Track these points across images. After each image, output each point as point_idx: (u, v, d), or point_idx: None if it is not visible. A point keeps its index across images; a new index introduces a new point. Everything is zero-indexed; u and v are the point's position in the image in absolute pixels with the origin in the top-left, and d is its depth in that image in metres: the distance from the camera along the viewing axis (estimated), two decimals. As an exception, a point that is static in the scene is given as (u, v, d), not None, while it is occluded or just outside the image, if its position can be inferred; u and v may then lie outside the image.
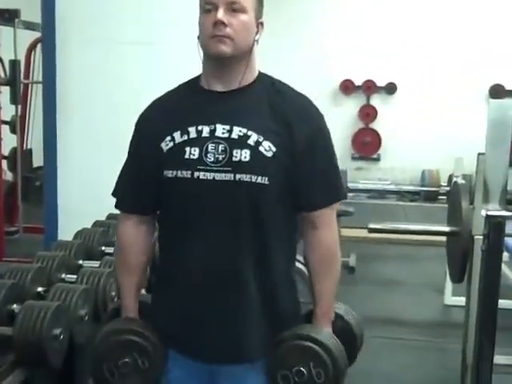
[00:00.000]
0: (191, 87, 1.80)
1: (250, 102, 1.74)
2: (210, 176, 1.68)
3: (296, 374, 1.72)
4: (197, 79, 1.80)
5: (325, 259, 1.78)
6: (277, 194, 1.71)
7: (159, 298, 1.84)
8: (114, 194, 1.86)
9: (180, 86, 1.84)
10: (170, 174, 1.71)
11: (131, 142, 1.84)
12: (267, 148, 1.68)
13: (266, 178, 1.68)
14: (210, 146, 1.68)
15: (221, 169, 1.67)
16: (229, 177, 1.67)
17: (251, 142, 1.68)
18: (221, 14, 1.66)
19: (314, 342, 1.73)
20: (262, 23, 1.77)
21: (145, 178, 1.77)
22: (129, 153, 1.84)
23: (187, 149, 1.69)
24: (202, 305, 1.74)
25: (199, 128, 1.71)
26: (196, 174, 1.68)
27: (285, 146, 1.70)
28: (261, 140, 1.68)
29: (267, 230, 1.72)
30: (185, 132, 1.71)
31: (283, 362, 1.73)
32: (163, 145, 1.73)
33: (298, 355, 1.73)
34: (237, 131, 1.69)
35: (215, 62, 1.72)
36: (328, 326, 1.81)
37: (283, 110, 1.73)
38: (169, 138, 1.72)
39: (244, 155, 1.67)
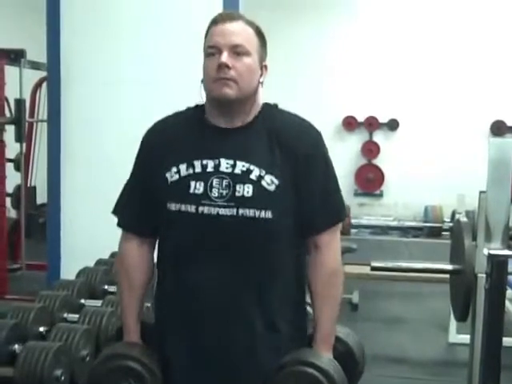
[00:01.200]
0: (196, 117, 1.80)
1: (252, 137, 1.75)
2: (214, 211, 1.68)
3: None
4: (201, 110, 1.80)
5: (326, 280, 1.77)
6: (282, 226, 1.72)
7: (159, 332, 1.82)
8: (114, 212, 1.86)
9: (186, 111, 1.85)
10: (173, 207, 1.71)
11: (136, 162, 1.84)
12: (269, 182, 1.70)
13: (270, 212, 1.68)
14: (215, 181, 1.70)
15: (225, 204, 1.68)
16: (232, 212, 1.68)
17: (253, 176, 1.70)
18: (225, 57, 1.68)
19: (315, 368, 1.70)
20: (265, 66, 1.79)
21: (147, 204, 1.78)
22: (132, 173, 1.85)
23: (192, 183, 1.70)
24: (201, 338, 1.73)
25: (204, 162, 1.72)
26: (200, 208, 1.69)
27: (286, 175, 1.71)
28: (263, 174, 1.70)
29: (272, 262, 1.73)
30: (190, 165, 1.72)
31: None
32: (168, 175, 1.73)
33: (298, 381, 1.70)
34: (240, 166, 1.70)
35: (219, 105, 1.74)
36: (328, 351, 1.79)
37: (280, 134, 1.74)
38: (174, 169, 1.73)
39: (247, 190, 1.68)
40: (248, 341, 1.72)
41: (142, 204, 1.80)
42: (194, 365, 1.75)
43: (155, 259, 1.87)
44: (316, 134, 1.81)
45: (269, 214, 1.68)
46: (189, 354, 1.75)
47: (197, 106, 1.83)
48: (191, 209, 1.69)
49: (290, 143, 1.74)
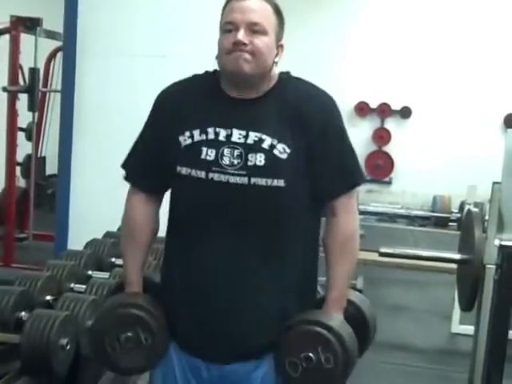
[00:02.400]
0: (211, 85, 1.78)
1: (265, 107, 1.74)
2: (224, 178, 1.68)
3: (304, 359, 1.67)
4: (216, 77, 1.79)
5: (342, 245, 1.76)
6: (294, 195, 1.71)
7: (166, 297, 1.82)
8: (123, 167, 1.86)
9: (201, 77, 1.83)
10: (183, 171, 1.71)
11: (150, 116, 1.83)
12: (281, 150, 1.69)
13: (282, 181, 1.68)
14: (226, 151, 1.69)
15: (236, 172, 1.68)
16: (243, 180, 1.68)
17: (265, 145, 1.69)
18: (241, 35, 1.67)
19: (323, 327, 1.69)
20: (282, 46, 1.77)
21: (157, 163, 1.78)
22: (144, 130, 1.84)
23: (204, 149, 1.70)
24: (209, 305, 1.73)
25: (217, 130, 1.71)
26: (210, 175, 1.69)
27: (299, 143, 1.70)
28: (275, 143, 1.69)
29: (283, 231, 1.73)
30: (203, 131, 1.72)
31: (290, 349, 1.69)
32: (181, 139, 1.73)
33: (306, 340, 1.68)
34: (252, 136, 1.70)
35: (233, 79, 1.73)
36: (339, 312, 1.77)
37: (292, 102, 1.74)
38: (188, 133, 1.73)
39: (259, 159, 1.68)
40: (259, 302, 1.72)
41: (151, 161, 1.79)
42: (202, 323, 1.75)
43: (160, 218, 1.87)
44: (329, 100, 1.80)
45: (281, 183, 1.68)
46: (198, 314, 1.75)
47: (213, 72, 1.81)
48: (201, 174, 1.69)
49: (301, 111, 1.73)
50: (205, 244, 1.72)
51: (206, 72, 1.83)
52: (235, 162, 1.68)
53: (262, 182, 1.68)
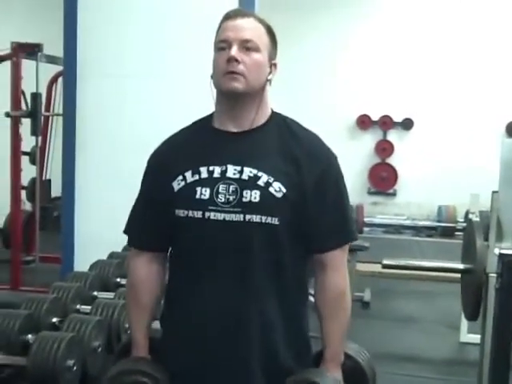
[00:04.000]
0: (204, 127, 1.80)
1: (261, 143, 1.74)
2: (220, 216, 1.68)
3: None
4: (209, 118, 1.81)
5: (334, 302, 1.76)
6: (287, 235, 1.71)
7: (167, 340, 1.82)
8: (125, 232, 1.86)
9: (192, 124, 1.85)
10: (181, 213, 1.71)
11: (143, 179, 1.85)
12: (277, 189, 1.68)
13: (276, 219, 1.67)
14: (221, 187, 1.69)
15: (231, 209, 1.67)
16: (239, 217, 1.67)
17: (261, 182, 1.68)
18: (234, 51, 1.69)
19: None
20: (275, 64, 1.78)
21: (156, 217, 1.78)
22: (141, 190, 1.85)
23: (198, 189, 1.70)
24: (209, 346, 1.72)
25: (210, 168, 1.71)
26: (207, 214, 1.68)
27: (295, 186, 1.70)
28: (271, 181, 1.69)
29: (277, 270, 1.72)
30: (196, 172, 1.72)
31: None
32: (175, 184, 1.73)
33: None
34: (247, 172, 1.70)
35: (228, 99, 1.74)
36: (336, 370, 1.78)
37: (294, 151, 1.73)
38: (180, 177, 1.73)
39: (254, 196, 1.67)
40: (249, 346, 1.71)
41: (150, 220, 1.79)
42: (202, 377, 1.74)
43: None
44: (330, 153, 1.79)
45: (275, 221, 1.68)
46: (198, 366, 1.74)
47: (202, 118, 1.83)
48: (198, 214, 1.69)
49: (305, 160, 1.72)
50: (208, 284, 1.71)
51: (195, 121, 1.85)
52: (230, 198, 1.68)
53: (256, 218, 1.67)
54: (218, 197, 1.69)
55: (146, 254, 1.82)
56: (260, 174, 1.69)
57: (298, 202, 1.70)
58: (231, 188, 1.69)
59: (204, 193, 1.69)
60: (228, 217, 1.67)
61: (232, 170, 1.70)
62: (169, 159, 1.78)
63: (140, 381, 1.76)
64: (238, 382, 1.72)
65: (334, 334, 1.77)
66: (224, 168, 1.71)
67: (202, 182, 1.71)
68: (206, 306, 1.72)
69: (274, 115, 1.80)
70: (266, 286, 1.71)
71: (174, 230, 1.75)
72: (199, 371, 1.74)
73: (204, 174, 1.72)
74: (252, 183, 1.68)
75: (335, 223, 1.75)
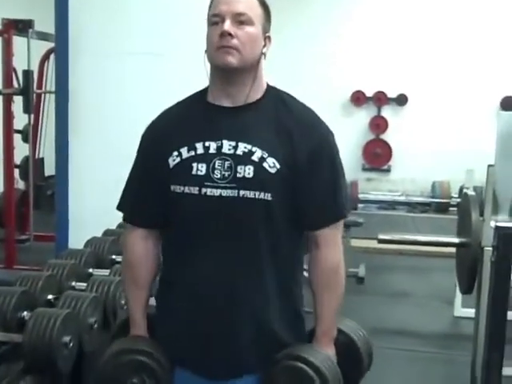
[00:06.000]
0: (198, 101, 1.79)
1: (256, 118, 1.73)
2: (216, 192, 1.68)
3: None
4: (204, 93, 1.80)
5: (326, 278, 1.76)
6: (281, 211, 1.70)
7: (162, 313, 1.83)
8: (119, 207, 1.85)
9: (188, 98, 1.84)
10: (177, 189, 1.71)
11: (138, 154, 1.84)
12: (271, 164, 1.68)
13: (269, 195, 1.67)
14: (217, 163, 1.69)
15: (227, 185, 1.67)
16: (234, 193, 1.67)
17: (255, 158, 1.68)
18: (227, 25, 1.67)
19: (305, 363, 1.70)
20: (269, 37, 1.77)
21: (151, 193, 1.77)
22: (134, 164, 1.84)
23: (194, 165, 1.70)
24: (204, 319, 1.73)
25: (206, 144, 1.71)
26: (203, 190, 1.68)
27: (289, 161, 1.69)
28: (265, 156, 1.68)
29: (272, 246, 1.72)
30: (192, 148, 1.71)
31: (276, 382, 1.72)
32: (170, 160, 1.73)
33: (290, 375, 1.71)
34: (242, 147, 1.69)
35: (222, 74, 1.72)
36: (328, 345, 1.79)
37: (288, 125, 1.72)
38: (176, 153, 1.72)
39: (248, 171, 1.67)
40: (243, 316, 1.72)
41: (146, 195, 1.78)
42: (198, 352, 1.75)
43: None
44: (327, 130, 1.78)
45: (268, 196, 1.67)
46: (193, 339, 1.75)
47: (197, 92, 1.82)
48: (194, 190, 1.69)
49: (299, 135, 1.71)
50: (203, 258, 1.71)
51: (190, 95, 1.83)
52: (226, 174, 1.68)
53: (250, 194, 1.67)
54: (214, 173, 1.69)
55: (141, 230, 1.81)
56: (254, 149, 1.69)
57: (291, 177, 1.70)
58: (226, 164, 1.69)
59: (200, 169, 1.69)
60: (224, 192, 1.67)
61: (227, 146, 1.70)
62: (163, 134, 1.77)
63: (139, 360, 1.77)
64: (229, 355, 1.73)
65: (326, 308, 1.78)
66: (220, 143, 1.70)
67: (197, 158, 1.70)
68: (200, 281, 1.72)
69: (270, 89, 1.79)
70: (260, 262, 1.71)
71: (168, 206, 1.75)
72: (193, 346, 1.74)
73: (200, 150, 1.71)
74: (246, 158, 1.68)
75: (327, 200, 1.74)
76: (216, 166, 1.69)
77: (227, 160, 1.69)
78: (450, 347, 4.32)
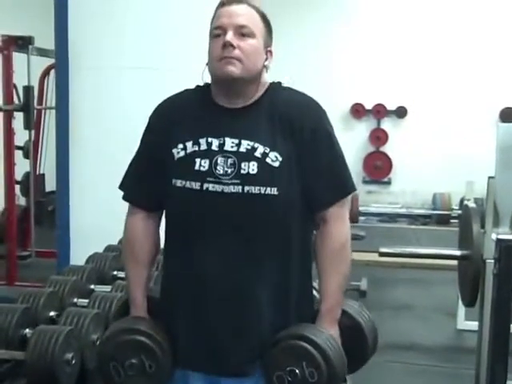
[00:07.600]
0: (203, 96, 1.81)
1: (256, 116, 1.76)
2: (218, 188, 1.69)
3: (289, 373, 1.68)
4: (208, 89, 1.81)
5: (334, 253, 1.75)
6: (287, 203, 1.72)
7: (165, 310, 1.82)
8: (120, 187, 1.87)
9: (193, 90, 1.85)
10: (178, 183, 1.73)
11: (144, 136, 1.85)
12: (274, 158, 1.70)
13: (275, 189, 1.69)
14: (220, 159, 1.71)
15: (229, 181, 1.69)
16: (237, 189, 1.69)
17: (258, 154, 1.70)
18: (229, 37, 1.69)
19: (307, 342, 1.69)
20: (271, 51, 1.79)
21: (153, 177, 1.79)
22: (140, 146, 1.86)
23: (197, 160, 1.72)
24: (206, 316, 1.73)
25: (209, 140, 1.73)
26: (205, 185, 1.70)
27: (290, 151, 1.72)
28: (267, 151, 1.71)
29: (280, 240, 1.73)
30: (196, 143, 1.74)
31: (277, 363, 1.70)
32: (175, 151, 1.75)
33: (291, 355, 1.69)
34: (245, 144, 1.71)
35: (224, 85, 1.75)
36: (331, 325, 1.77)
37: (283, 111, 1.75)
38: (181, 145, 1.74)
39: (252, 167, 1.69)
40: (253, 318, 1.72)
41: (148, 178, 1.81)
42: (198, 342, 1.75)
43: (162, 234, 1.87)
44: (319, 109, 1.81)
45: (274, 191, 1.69)
46: (194, 330, 1.75)
47: (205, 85, 1.84)
48: (196, 186, 1.70)
49: (292, 119, 1.74)
50: (202, 254, 1.73)
51: (198, 86, 1.85)
52: (229, 170, 1.69)
53: (255, 190, 1.68)
54: (216, 168, 1.70)
55: (141, 211, 1.83)
56: (256, 145, 1.71)
57: (294, 167, 1.72)
58: (229, 161, 1.70)
59: (203, 164, 1.71)
60: (226, 189, 1.69)
61: (230, 143, 1.72)
62: (170, 123, 1.79)
63: (139, 340, 1.75)
64: (235, 344, 1.73)
65: (331, 286, 1.77)
66: (222, 141, 1.73)
67: (200, 154, 1.72)
68: (205, 276, 1.72)
69: (270, 88, 1.81)
70: (269, 257, 1.72)
71: (168, 198, 1.77)
72: (198, 335, 1.74)
73: (203, 146, 1.73)
74: (249, 155, 1.70)
75: (331, 179, 1.76)
76: (219, 163, 1.70)
77: (230, 157, 1.71)
78: (453, 360, 4.29)
